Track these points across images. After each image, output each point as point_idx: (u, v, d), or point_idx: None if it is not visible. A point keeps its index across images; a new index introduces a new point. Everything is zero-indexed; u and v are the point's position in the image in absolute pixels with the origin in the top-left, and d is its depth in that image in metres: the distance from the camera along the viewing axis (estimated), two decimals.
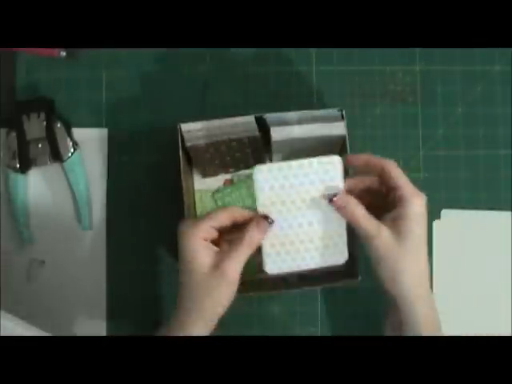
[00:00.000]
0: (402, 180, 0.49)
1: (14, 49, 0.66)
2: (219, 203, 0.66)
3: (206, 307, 0.50)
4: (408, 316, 0.50)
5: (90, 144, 0.66)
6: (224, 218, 0.51)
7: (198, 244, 0.49)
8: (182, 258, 0.50)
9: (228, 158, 0.63)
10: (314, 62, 0.68)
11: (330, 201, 0.50)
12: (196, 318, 0.50)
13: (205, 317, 0.50)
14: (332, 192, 0.50)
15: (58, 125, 0.64)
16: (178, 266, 0.51)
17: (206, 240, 0.50)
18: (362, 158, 0.51)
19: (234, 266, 0.49)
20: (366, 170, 0.51)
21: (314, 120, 0.59)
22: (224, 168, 0.65)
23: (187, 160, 0.62)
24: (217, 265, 0.49)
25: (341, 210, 0.50)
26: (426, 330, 0.49)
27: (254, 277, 0.56)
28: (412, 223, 0.48)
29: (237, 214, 0.51)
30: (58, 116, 0.65)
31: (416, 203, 0.48)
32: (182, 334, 0.49)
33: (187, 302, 0.50)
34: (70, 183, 0.65)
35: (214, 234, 0.51)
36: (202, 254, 0.49)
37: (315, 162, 0.51)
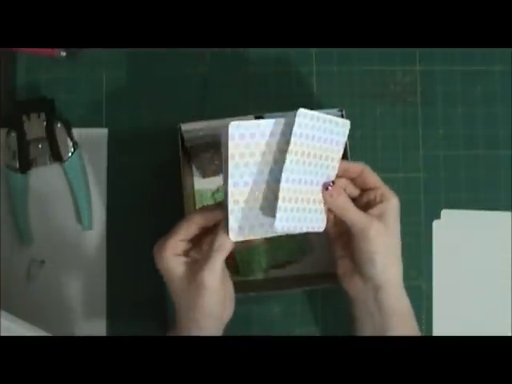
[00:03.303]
0: (379, 181, 0.54)
1: (14, 49, 0.66)
2: None
3: (197, 318, 0.50)
4: (389, 302, 0.53)
5: (90, 144, 0.66)
6: (190, 229, 0.51)
7: (169, 261, 0.50)
8: (163, 277, 0.52)
9: None
10: (314, 62, 0.68)
11: (326, 189, 0.52)
12: (192, 330, 0.51)
13: (201, 328, 0.51)
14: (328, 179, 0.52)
15: (58, 125, 0.64)
16: None
17: (177, 255, 0.51)
18: (341, 167, 0.53)
19: (210, 275, 0.49)
20: (342, 175, 0.54)
21: None
22: None
23: (187, 160, 0.62)
24: (193, 275, 0.49)
25: (334, 200, 0.52)
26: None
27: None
28: (396, 214, 0.53)
29: (201, 221, 0.51)
30: (58, 116, 0.65)
31: (395, 200, 0.53)
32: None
33: (180, 317, 0.52)
34: (70, 183, 0.65)
35: (186, 246, 0.51)
36: (175, 271, 0.50)
37: (339, 121, 0.51)
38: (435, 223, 0.67)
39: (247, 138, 0.47)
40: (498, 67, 0.69)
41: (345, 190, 0.54)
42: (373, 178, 0.54)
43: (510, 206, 0.68)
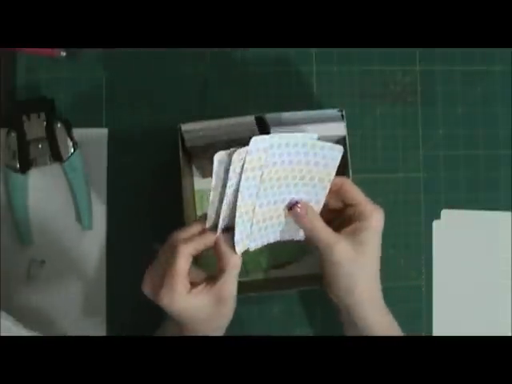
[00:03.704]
0: (360, 196, 0.52)
1: (14, 49, 0.66)
2: None
3: (214, 328, 0.52)
4: (362, 321, 0.52)
5: (89, 144, 0.66)
6: (188, 262, 0.50)
7: (185, 301, 0.49)
8: (180, 317, 0.50)
9: None
10: (314, 62, 0.68)
11: (290, 209, 0.51)
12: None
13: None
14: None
15: (58, 125, 0.64)
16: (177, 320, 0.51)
17: (189, 290, 0.49)
18: None
19: (233, 291, 0.50)
20: None
21: (314, 120, 0.59)
22: None
23: (187, 160, 0.62)
24: (217, 298, 0.49)
25: (301, 218, 0.51)
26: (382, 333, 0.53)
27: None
28: (372, 234, 0.51)
29: (194, 251, 0.50)
30: (58, 116, 0.65)
31: (376, 217, 0.51)
32: None
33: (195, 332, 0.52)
34: (70, 183, 0.65)
35: (187, 276, 0.50)
36: (196, 305, 0.49)
37: (319, 144, 0.51)
38: (435, 223, 0.67)
39: (261, 152, 0.48)
40: (498, 67, 0.69)
41: (327, 204, 0.53)
42: (352, 193, 0.52)
43: (510, 206, 0.68)
